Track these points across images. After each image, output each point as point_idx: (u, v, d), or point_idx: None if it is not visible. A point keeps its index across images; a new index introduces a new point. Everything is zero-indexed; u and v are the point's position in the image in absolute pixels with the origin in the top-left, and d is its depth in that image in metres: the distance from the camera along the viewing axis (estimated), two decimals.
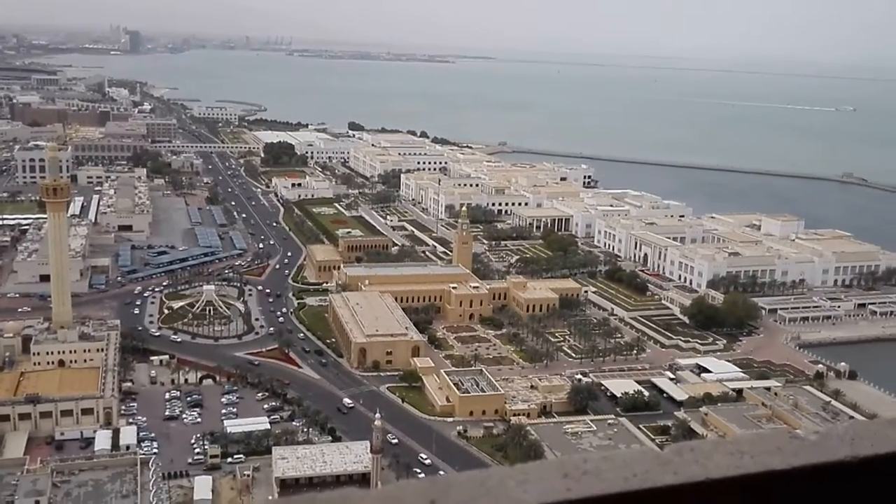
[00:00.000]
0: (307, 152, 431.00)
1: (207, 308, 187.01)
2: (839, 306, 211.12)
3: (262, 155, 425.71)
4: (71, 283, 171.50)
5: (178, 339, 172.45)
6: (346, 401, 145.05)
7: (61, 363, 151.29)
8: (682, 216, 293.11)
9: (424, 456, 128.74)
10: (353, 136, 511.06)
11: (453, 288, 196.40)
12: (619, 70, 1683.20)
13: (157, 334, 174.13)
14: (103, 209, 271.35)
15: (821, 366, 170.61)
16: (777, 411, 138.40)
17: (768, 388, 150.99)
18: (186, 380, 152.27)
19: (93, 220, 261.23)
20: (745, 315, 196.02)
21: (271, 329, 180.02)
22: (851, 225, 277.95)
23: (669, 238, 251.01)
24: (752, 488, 4.66)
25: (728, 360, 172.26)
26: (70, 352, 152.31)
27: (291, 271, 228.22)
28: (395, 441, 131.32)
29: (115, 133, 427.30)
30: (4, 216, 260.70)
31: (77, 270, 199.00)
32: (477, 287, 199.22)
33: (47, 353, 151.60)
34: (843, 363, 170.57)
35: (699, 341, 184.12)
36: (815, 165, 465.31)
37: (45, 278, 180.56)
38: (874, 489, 4.95)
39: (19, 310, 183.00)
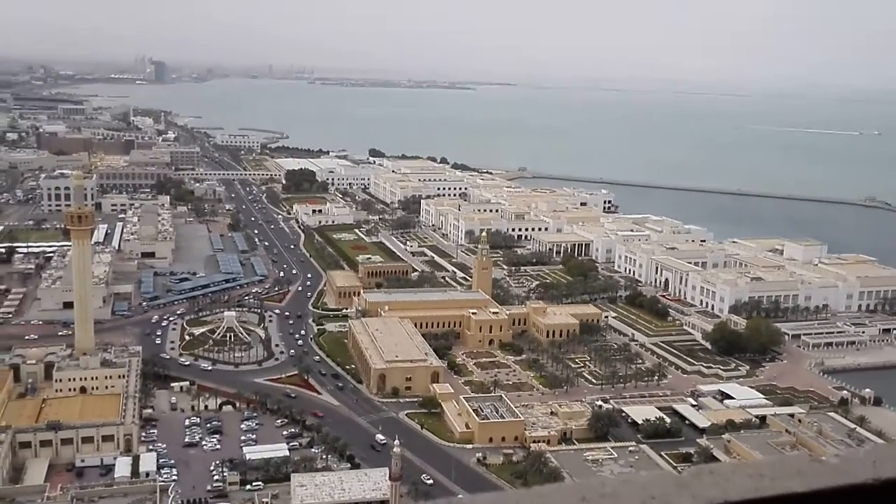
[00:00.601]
0: (328, 179, 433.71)
1: (228, 334, 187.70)
2: (863, 332, 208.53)
3: (284, 182, 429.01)
4: (94, 309, 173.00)
5: (207, 367, 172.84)
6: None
7: (83, 390, 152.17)
8: (704, 241, 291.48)
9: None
10: (374, 162, 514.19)
11: (473, 313, 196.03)
12: (639, 95, 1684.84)
13: (186, 363, 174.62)
14: (127, 236, 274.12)
15: (845, 392, 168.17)
16: (801, 438, 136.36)
17: (792, 415, 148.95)
18: (206, 406, 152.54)
19: (116, 248, 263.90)
20: (768, 341, 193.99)
21: (291, 353, 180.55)
22: (875, 249, 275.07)
23: (691, 263, 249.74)
24: None
25: (751, 387, 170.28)
26: (92, 378, 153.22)
27: (312, 297, 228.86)
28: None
29: (140, 161, 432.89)
30: (30, 244, 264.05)
31: (100, 297, 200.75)
32: (497, 312, 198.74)
33: (69, 380, 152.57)
34: (867, 389, 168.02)
35: (721, 367, 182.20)
36: (838, 189, 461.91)
37: (68, 305, 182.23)
38: None
39: (35, 336, 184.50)
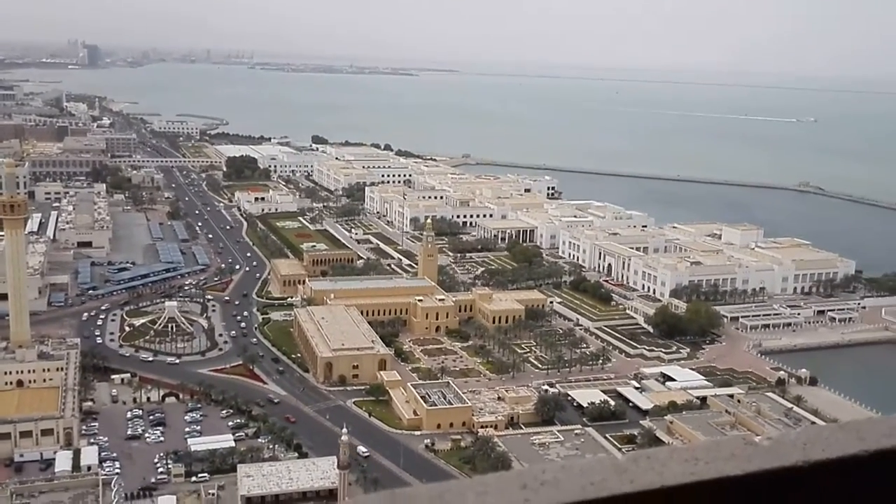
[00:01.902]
0: (270, 166, 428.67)
1: (170, 324, 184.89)
2: (799, 313, 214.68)
3: (225, 169, 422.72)
4: (29, 301, 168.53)
5: (149, 358, 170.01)
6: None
7: (20, 383, 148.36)
8: (645, 226, 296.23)
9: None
10: (317, 149, 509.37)
11: (419, 301, 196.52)
12: (581, 83, 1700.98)
13: (126, 355, 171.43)
14: (62, 225, 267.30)
15: (782, 372, 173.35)
16: (741, 418, 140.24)
17: (731, 396, 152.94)
18: (149, 398, 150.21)
19: (51, 237, 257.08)
20: (708, 323, 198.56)
21: (235, 341, 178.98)
22: (809, 233, 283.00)
23: (633, 248, 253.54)
24: (708, 495, 4.70)
25: (692, 369, 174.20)
26: (29, 371, 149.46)
27: (255, 286, 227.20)
28: (367, 454, 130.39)
29: (74, 148, 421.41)
30: None
31: (35, 288, 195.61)
32: (443, 299, 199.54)
33: (5, 374, 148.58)
34: (803, 370, 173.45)
35: (663, 350, 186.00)
36: (774, 175, 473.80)
37: (2, 297, 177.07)
38: (826, 493, 5.01)
39: None
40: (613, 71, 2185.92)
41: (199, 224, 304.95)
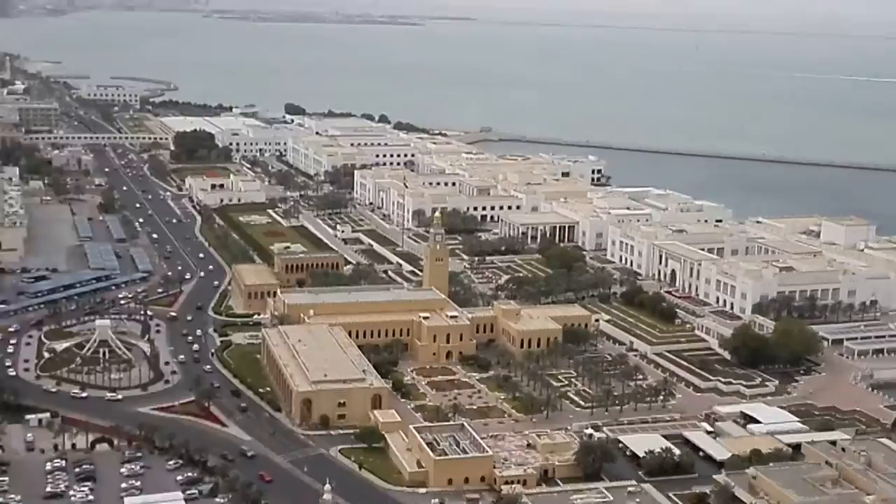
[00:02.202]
0: (231, 144, 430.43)
1: (101, 350, 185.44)
2: None
3: (173, 148, 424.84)
4: None
5: (76, 394, 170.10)
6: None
7: None
8: (720, 221, 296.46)
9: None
10: (292, 122, 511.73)
11: (424, 318, 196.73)
12: (640, 34, 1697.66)
13: (47, 389, 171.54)
14: None
15: None
16: (846, 472, 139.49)
17: (834, 443, 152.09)
18: (74, 445, 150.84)
19: None
20: (802, 348, 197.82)
21: (187, 371, 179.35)
22: None
23: (704, 250, 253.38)
24: None
25: (781, 407, 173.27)
26: None
27: (212, 299, 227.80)
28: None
29: None
30: None
31: None
32: (455, 317, 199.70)
33: None
34: None
35: (744, 383, 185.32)
36: (889, 154, 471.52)
37: None
38: None
39: None
40: (685, 18, 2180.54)
41: (140, 219, 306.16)
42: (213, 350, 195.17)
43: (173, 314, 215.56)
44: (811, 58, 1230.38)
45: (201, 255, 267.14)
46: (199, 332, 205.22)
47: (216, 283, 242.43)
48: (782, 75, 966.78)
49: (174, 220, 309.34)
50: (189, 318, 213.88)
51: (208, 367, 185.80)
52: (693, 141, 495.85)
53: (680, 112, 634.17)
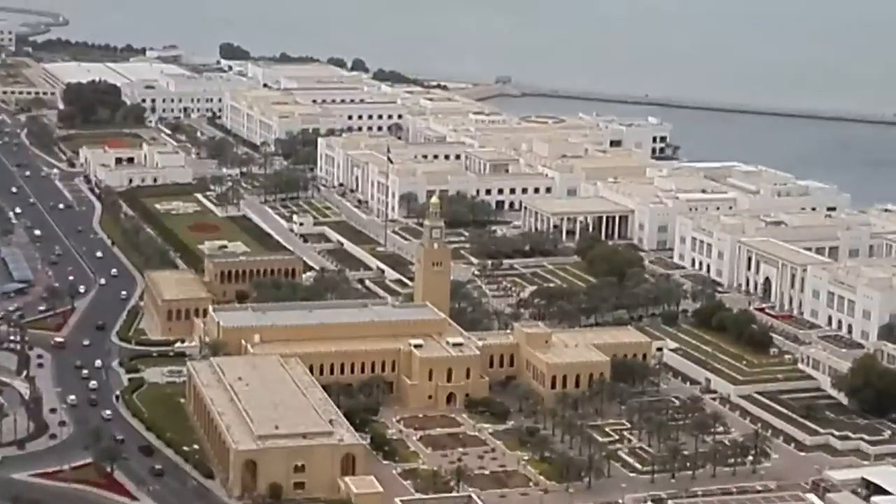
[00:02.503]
0: (145, 101, 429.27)
1: None
2: None
3: (62, 107, 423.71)
4: None
5: None
6: None
7: None
8: (833, 209, 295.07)
9: None
10: (229, 70, 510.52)
11: (417, 347, 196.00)
12: None
13: None
14: None
15: None
16: None
17: None
18: None
19: None
20: None
21: (81, 423, 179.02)
22: None
23: (811, 250, 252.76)
24: None
25: None
26: None
27: (118, 320, 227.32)
28: None
29: None
30: None
31: None
32: (460, 345, 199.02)
33: None
34: None
35: (866, 437, 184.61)
36: None
37: None
38: None
39: None
40: None
41: (17, 208, 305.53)
42: (117, 391, 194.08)
43: (60, 340, 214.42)
44: None
45: (101, 256, 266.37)
46: (98, 364, 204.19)
47: (123, 295, 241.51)
48: None
49: (64, 208, 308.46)
50: (86, 343, 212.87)
51: (108, 412, 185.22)
52: (794, 95, 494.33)
53: (776, 52, 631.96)
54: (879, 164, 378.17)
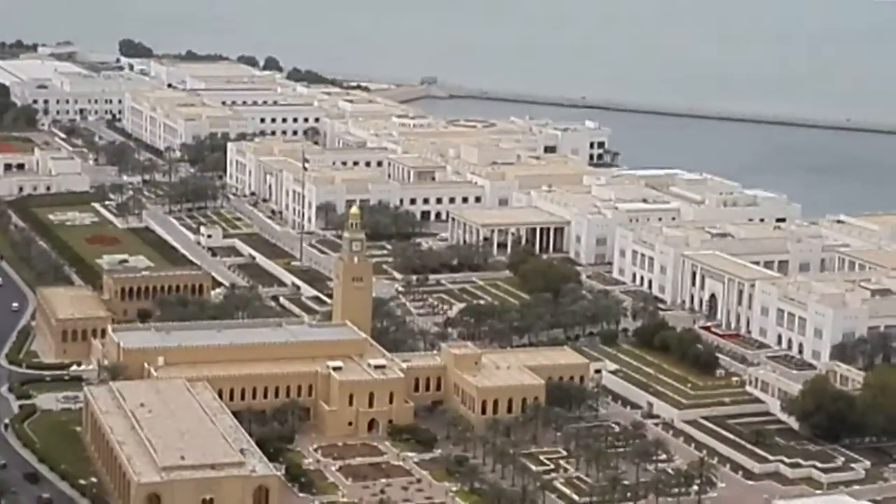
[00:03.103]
0: (36, 102, 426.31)
1: None
2: None
3: None
4: None
5: None
6: None
7: None
8: (782, 220, 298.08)
9: None
10: (130, 68, 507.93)
11: (335, 370, 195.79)
12: None
13: None
14: None
15: None
16: None
17: None
18: None
19: None
20: None
21: None
22: None
23: (759, 264, 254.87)
24: None
25: (875, 502, 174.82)
26: None
27: (6, 343, 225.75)
28: None
29: None
30: None
31: None
32: (383, 367, 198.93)
33: None
34: None
35: (818, 464, 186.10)
36: None
37: None
38: None
39: None
40: None
41: None
42: (6, 420, 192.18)
43: None
44: None
45: None
46: None
47: (13, 313, 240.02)
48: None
49: None
50: None
51: (4, 452, 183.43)
52: (739, 99, 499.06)
53: (721, 56, 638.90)
54: (828, 170, 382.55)
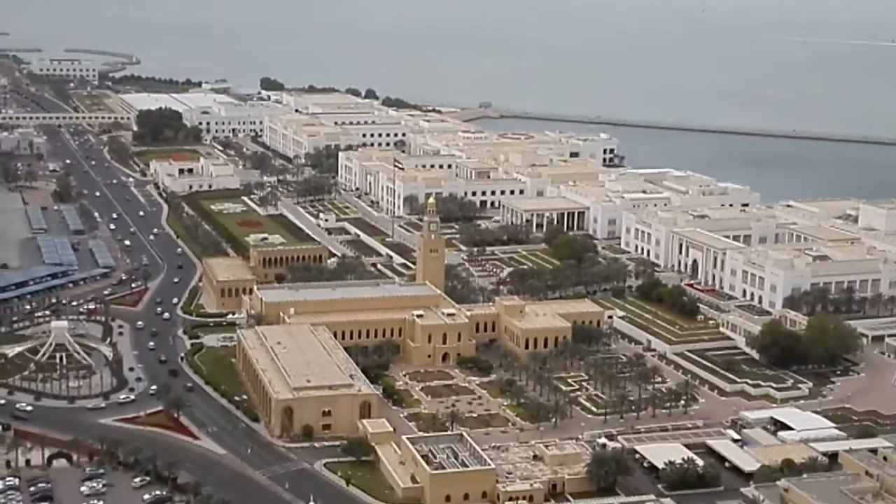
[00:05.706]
0: (201, 124, 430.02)
1: (58, 354, 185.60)
2: None
3: (136, 128, 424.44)
4: None
5: (25, 406, 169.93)
6: None
7: None
8: (747, 205, 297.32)
9: None
10: (268, 98, 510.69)
11: (418, 316, 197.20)
12: None
13: None
14: None
15: None
16: (888, 483, 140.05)
17: (874, 451, 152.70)
18: (28, 461, 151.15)
19: None
20: (839, 346, 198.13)
21: (154, 384, 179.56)
22: None
23: (729, 237, 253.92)
24: None
25: (816, 412, 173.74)
26: None
27: (182, 298, 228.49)
28: None
29: None
30: None
31: None
32: (452, 315, 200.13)
33: None
34: None
35: (774, 385, 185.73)
36: None
37: None
38: None
39: None
40: None
41: (100, 209, 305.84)
42: (182, 354, 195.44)
43: (139, 316, 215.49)
44: (832, 20, 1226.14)
45: (168, 248, 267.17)
46: (167, 335, 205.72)
47: (185, 280, 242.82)
48: (798, 41, 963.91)
49: (138, 211, 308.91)
50: (166, 316, 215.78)
51: (178, 373, 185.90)
52: (713, 115, 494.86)
53: (700, 81, 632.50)
54: (782, 169, 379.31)
